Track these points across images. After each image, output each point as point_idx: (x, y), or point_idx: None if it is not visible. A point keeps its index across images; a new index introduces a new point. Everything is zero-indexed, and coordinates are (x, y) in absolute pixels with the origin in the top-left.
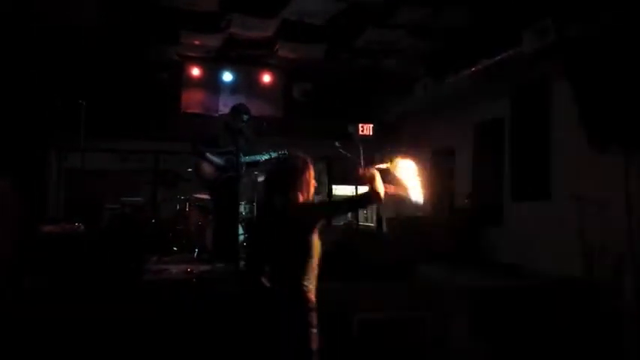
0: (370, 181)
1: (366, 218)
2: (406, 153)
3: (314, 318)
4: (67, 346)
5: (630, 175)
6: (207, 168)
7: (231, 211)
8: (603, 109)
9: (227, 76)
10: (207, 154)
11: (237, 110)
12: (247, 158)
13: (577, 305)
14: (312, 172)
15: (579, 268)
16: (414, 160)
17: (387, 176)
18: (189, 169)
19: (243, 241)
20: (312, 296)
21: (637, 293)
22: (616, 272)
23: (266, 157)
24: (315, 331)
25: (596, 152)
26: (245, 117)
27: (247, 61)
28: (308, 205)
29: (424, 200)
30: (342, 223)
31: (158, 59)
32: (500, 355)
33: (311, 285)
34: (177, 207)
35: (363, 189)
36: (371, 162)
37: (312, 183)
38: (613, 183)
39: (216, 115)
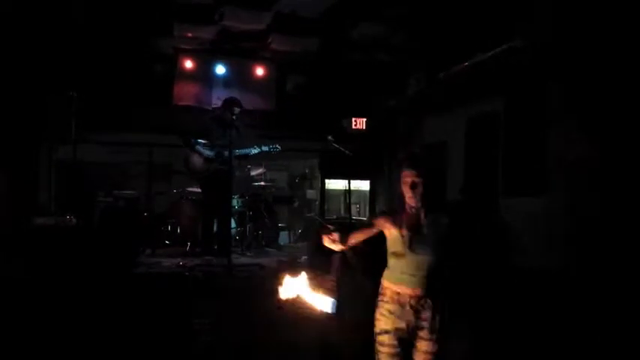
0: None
1: (359, 212)
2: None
3: None
4: (58, 339)
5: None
6: (197, 161)
7: (223, 205)
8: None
9: (220, 69)
10: (197, 147)
11: (228, 103)
12: (237, 152)
13: (564, 298)
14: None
15: (570, 263)
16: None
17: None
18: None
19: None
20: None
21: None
22: (605, 266)
23: (256, 150)
24: None
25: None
26: (236, 110)
27: (240, 53)
28: None
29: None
30: (334, 217)
31: (151, 51)
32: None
33: None
34: (171, 200)
35: (355, 183)
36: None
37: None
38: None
39: (209, 108)
